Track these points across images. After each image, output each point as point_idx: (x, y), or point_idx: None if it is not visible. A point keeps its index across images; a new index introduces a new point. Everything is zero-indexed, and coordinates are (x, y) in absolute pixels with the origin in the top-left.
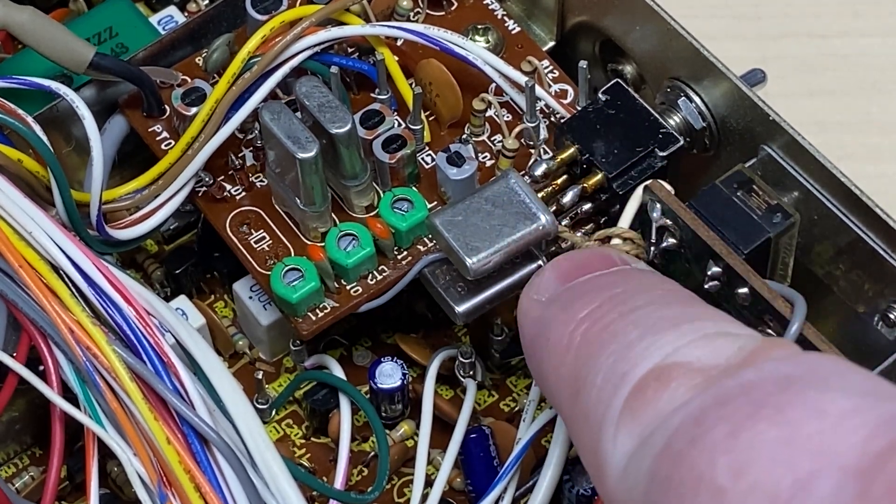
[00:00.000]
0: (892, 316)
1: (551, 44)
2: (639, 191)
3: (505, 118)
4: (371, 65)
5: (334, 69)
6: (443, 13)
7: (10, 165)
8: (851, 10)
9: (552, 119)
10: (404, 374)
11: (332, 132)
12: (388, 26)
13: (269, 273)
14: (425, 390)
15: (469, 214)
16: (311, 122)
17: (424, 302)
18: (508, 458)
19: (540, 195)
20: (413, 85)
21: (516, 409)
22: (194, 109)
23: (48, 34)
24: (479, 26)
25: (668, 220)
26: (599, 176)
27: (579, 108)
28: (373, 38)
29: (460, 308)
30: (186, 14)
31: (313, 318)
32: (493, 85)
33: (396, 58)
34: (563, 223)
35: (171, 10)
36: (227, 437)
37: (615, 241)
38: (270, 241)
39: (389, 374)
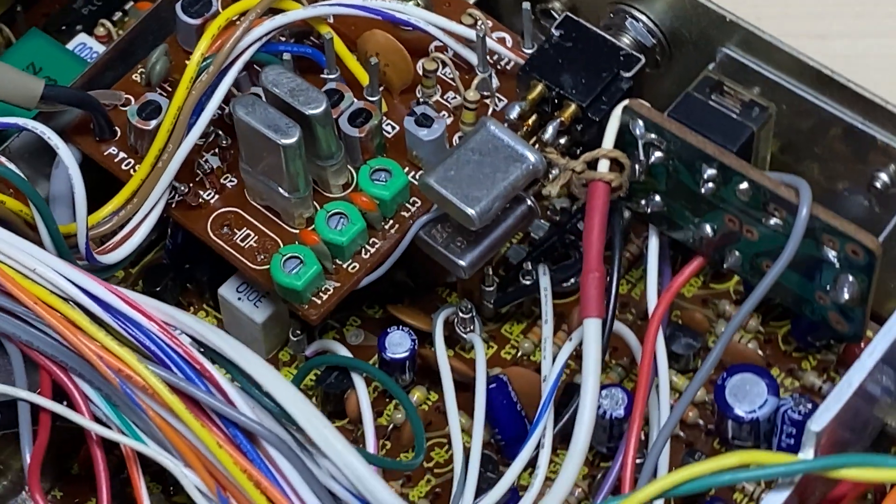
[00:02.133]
0: (877, 185)
1: None
2: (617, 111)
3: (452, 76)
4: (315, 48)
5: (287, 56)
6: None
7: None
8: (851, 11)
9: (497, 67)
10: (413, 341)
11: (308, 114)
12: (330, 5)
13: (267, 267)
14: (438, 350)
15: (460, 167)
16: (281, 109)
17: (404, 270)
18: (542, 398)
19: None
20: (361, 58)
21: (519, 354)
22: (153, 122)
23: None
24: None
25: (652, 135)
26: (573, 107)
27: (527, 50)
28: (314, 19)
29: (465, 262)
30: (96, 38)
31: (319, 301)
32: (433, 45)
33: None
34: None
35: (82, 37)
36: (274, 430)
37: (602, 162)
38: (256, 237)
39: (399, 343)
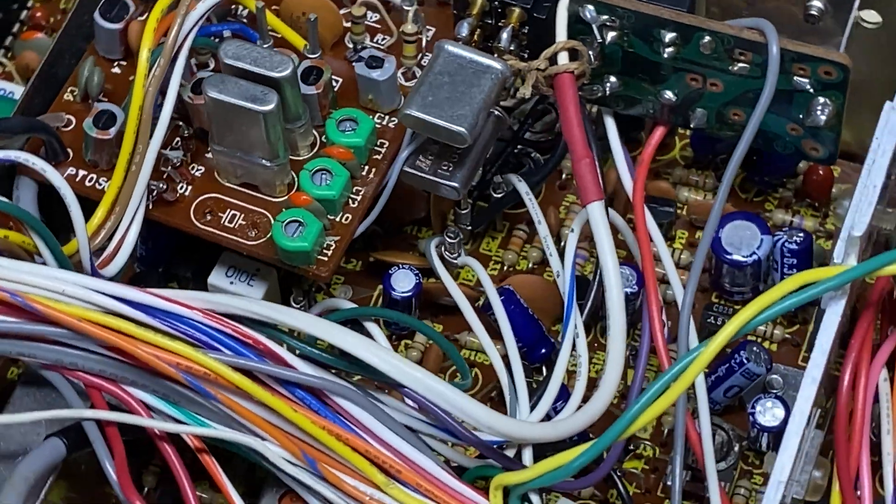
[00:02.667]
0: (812, 13)
1: None
2: (563, 3)
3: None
4: (242, 23)
5: (227, 32)
6: None
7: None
8: None
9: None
10: (417, 275)
11: (278, 76)
12: None
13: (261, 241)
14: (443, 276)
15: (435, 92)
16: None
17: None
18: (566, 290)
19: None
20: (288, 21)
21: (505, 267)
22: (113, 130)
23: None
24: None
25: (604, 16)
26: (517, 11)
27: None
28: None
29: (458, 182)
30: None
31: (326, 258)
32: None
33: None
34: None
35: None
36: (338, 380)
37: (561, 55)
38: (242, 215)
39: (404, 280)
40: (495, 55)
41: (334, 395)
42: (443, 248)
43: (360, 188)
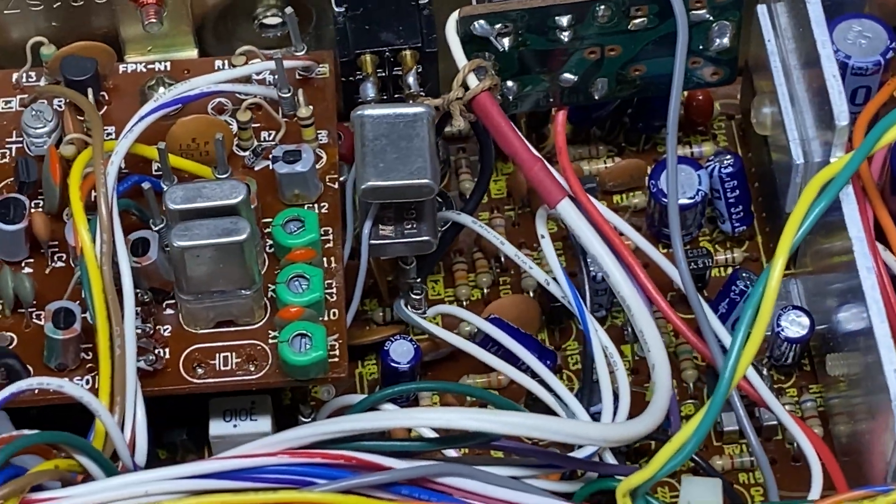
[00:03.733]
0: None
1: (195, 50)
2: (450, 28)
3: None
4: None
5: (146, 185)
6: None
7: (51, 474)
8: None
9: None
10: (411, 341)
11: (238, 201)
12: (138, 122)
13: (266, 370)
14: (435, 331)
15: (382, 157)
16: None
17: None
18: (566, 294)
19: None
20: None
21: (464, 303)
22: (76, 326)
23: None
24: (166, 81)
25: (496, 25)
26: (409, 53)
27: (299, 53)
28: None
29: (428, 234)
30: None
31: (337, 359)
32: (215, 102)
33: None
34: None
35: None
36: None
37: (470, 77)
38: (233, 353)
39: (402, 349)
40: (410, 101)
41: (437, 478)
42: (410, 308)
43: (329, 280)
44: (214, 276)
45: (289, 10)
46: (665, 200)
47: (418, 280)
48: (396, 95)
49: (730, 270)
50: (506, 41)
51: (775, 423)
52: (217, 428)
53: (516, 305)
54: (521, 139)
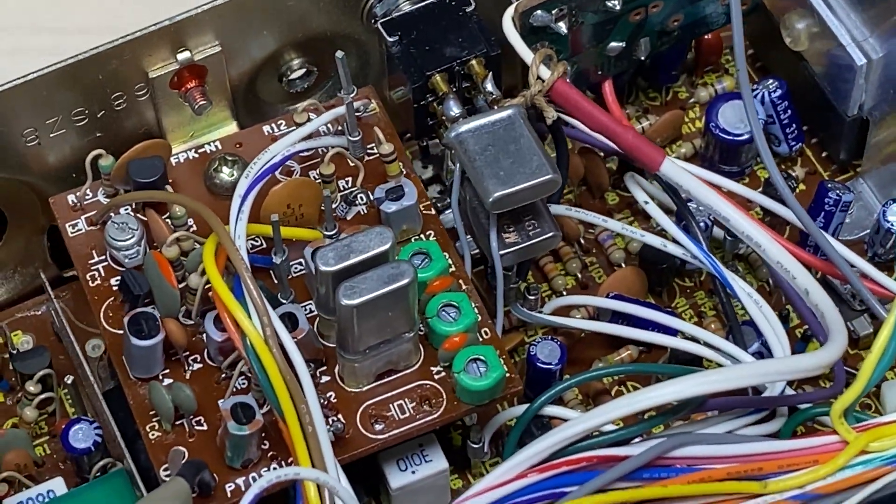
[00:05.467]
0: None
1: (234, 124)
2: (507, 25)
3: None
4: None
5: (277, 259)
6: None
7: None
8: None
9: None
10: (554, 339)
11: (388, 247)
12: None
13: (446, 400)
14: (568, 322)
15: (497, 165)
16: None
17: None
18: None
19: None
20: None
21: (564, 293)
22: (258, 415)
23: None
24: (228, 158)
25: (552, 12)
26: (477, 61)
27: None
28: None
29: (552, 230)
30: None
31: (508, 373)
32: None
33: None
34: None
35: None
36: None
37: (541, 69)
38: (405, 399)
39: (547, 350)
40: (495, 107)
41: (671, 453)
42: (528, 308)
43: (471, 302)
44: (381, 326)
45: (339, 53)
46: (728, 137)
47: (521, 282)
48: (467, 108)
49: (797, 190)
50: (562, 24)
51: None
52: (397, 480)
53: (627, 278)
54: (607, 114)
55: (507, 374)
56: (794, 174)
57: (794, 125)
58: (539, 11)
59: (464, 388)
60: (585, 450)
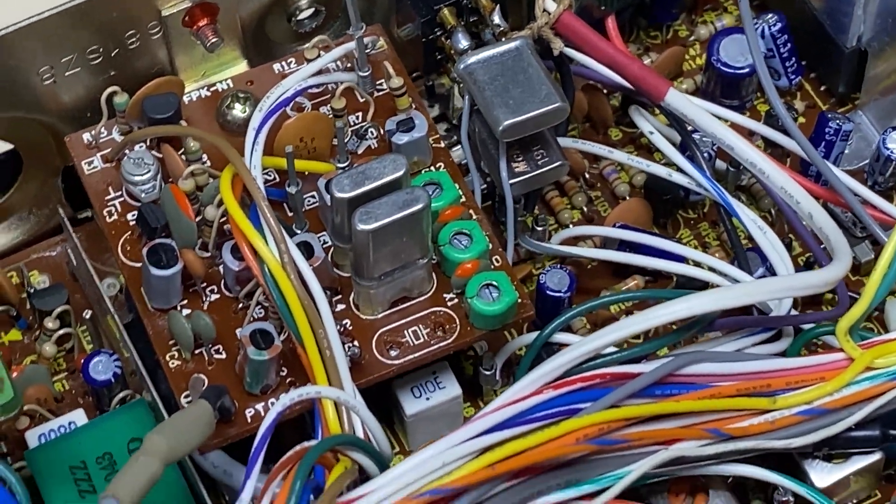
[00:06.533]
0: None
1: (244, 62)
2: None
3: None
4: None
5: (292, 189)
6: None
7: (350, 475)
8: None
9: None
10: (563, 268)
11: (402, 174)
12: (256, 135)
13: (460, 326)
14: (576, 251)
15: (507, 95)
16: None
17: None
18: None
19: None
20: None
21: (572, 224)
22: (276, 340)
23: None
24: (240, 95)
25: None
26: None
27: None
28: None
29: (560, 159)
30: None
31: (520, 298)
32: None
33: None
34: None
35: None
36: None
37: (548, 1)
38: (420, 326)
39: (557, 278)
40: (503, 39)
41: (681, 370)
42: (536, 240)
43: (482, 230)
44: (396, 252)
45: None
46: (730, 70)
47: (528, 215)
48: (475, 41)
49: (798, 122)
50: None
51: None
52: (412, 406)
53: (633, 209)
54: (612, 45)
55: (520, 300)
56: (794, 107)
57: (793, 59)
58: None
59: (477, 313)
60: (599, 367)
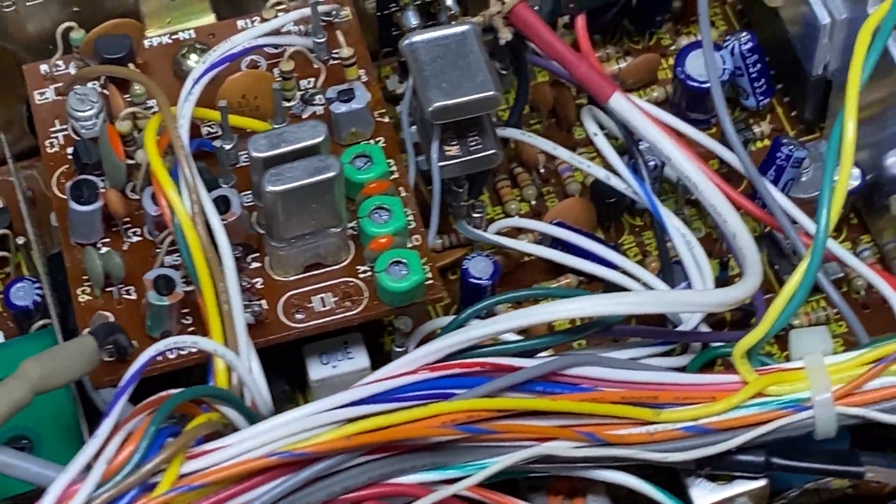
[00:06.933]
0: None
1: (212, 15)
2: None
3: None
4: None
5: (218, 143)
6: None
7: (209, 426)
8: None
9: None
10: (487, 255)
11: (320, 140)
12: (194, 85)
13: (368, 298)
14: (509, 243)
15: (443, 78)
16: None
17: None
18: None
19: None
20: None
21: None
22: (178, 287)
23: None
24: (197, 46)
25: None
26: None
27: None
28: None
29: (494, 147)
30: None
31: (431, 281)
32: (250, 60)
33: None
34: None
35: None
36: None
37: None
38: (329, 294)
39: (480, 265)
40: (453, 23)
41: (566, 370)
42: (473, 227)
43: (405, 208)
44: (306, 217)
45: None
46: (694, 84)
47: (472, 201)
48: (431, 23)
49: (759, 145)
50: None
51: (840, 275)
52: (317, 372)
53: (574, 208)
54: (563, 42)
55: (430, 281)
56: (759, 129)
57: (763, 80)
58: None
59: (384, 289)
60: (485, 356)
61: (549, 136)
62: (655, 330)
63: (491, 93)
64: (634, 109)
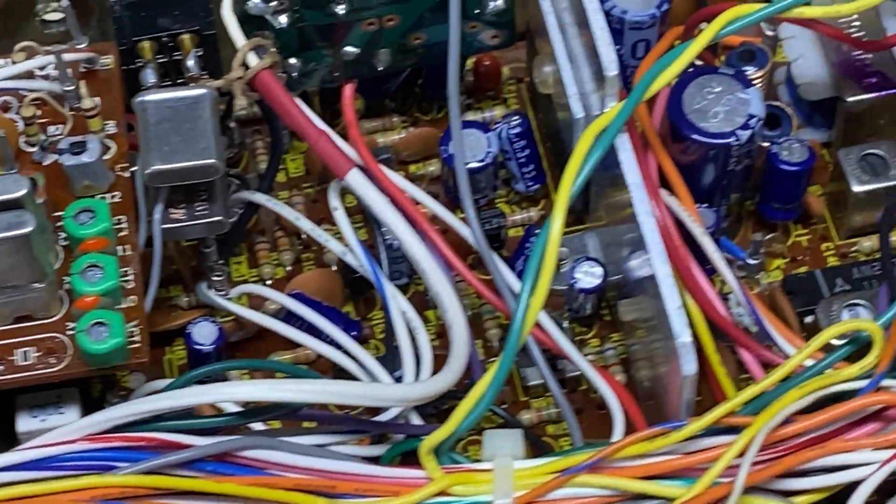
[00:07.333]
0: None
1: None
2: (226, 6)
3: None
4: None
5: None
6: None
7: None
8: None
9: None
10: (212, 321)
11: (22, 194)
12: None
13: (67, 361)
14: (239, 311)
15: (166, 141)
16: None
17: None
18: (366, 268)
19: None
20: None
21: (268, 282)
22: None
23: None
24: None
25: (270, 4)
26: (187, 36)
27: (80, 45)
28: None
29: (220, 214)
30: None
31: (138, 344)
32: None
33: None
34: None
35: None
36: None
37: (250, 56)
38: (33, 348)
39: (205, 331)
40: (192, 84)
41: (241, 452)
42: (213, 292)
43: (125, 268)
44: (6, 271)
45: (64, 2)
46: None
47: (219, 262)
48: (179, 81)
49: (519, 231)
50: (283, 18)
51: (578, 373)
52: (24, 424)
53: (318, 279)
54: (304, 114)
55: (135, 346)
56: (527, 214)
57: (532, 165)
58: (255, 0)
59: (82, 349)
60: (158, 431)
61: (321, 200)
62: (345, 417)
63: (210, 161)
64: (370, 188)
